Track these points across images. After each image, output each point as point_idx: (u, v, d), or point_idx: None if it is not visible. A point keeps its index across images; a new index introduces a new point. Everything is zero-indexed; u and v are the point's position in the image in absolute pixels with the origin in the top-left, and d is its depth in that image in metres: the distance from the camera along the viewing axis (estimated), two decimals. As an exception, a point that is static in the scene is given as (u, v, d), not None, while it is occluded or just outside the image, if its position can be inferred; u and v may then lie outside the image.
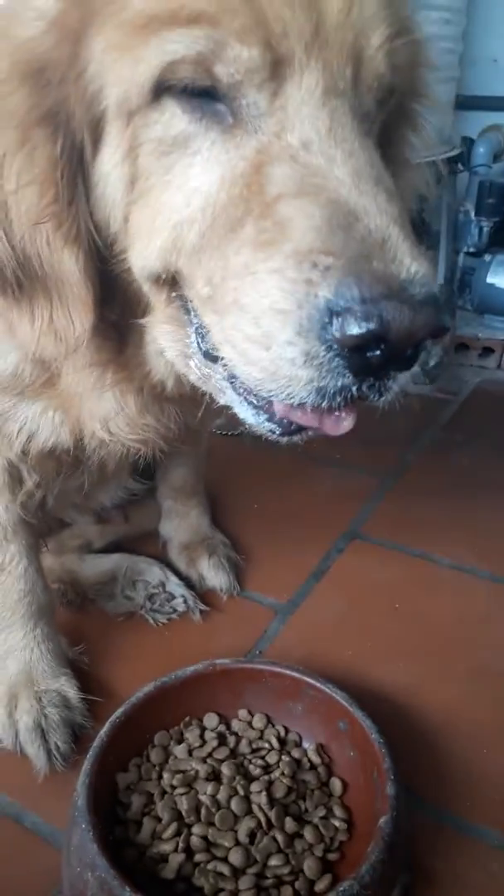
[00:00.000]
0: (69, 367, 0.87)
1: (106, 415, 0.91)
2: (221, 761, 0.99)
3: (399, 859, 0.87)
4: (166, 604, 1.34)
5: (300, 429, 0.75)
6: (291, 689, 1.06)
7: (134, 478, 1.39)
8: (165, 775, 0.98)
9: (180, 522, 1.49)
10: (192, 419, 0.98)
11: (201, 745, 1.02)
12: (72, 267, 0.73)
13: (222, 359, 0.72)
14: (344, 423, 0.72)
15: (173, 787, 0.96)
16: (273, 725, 1.06)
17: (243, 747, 1.03)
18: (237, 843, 0.89)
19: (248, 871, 0.87)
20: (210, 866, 0.87)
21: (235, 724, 1.06)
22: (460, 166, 2.45)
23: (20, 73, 0.69)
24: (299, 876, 0.88)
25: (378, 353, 0.61)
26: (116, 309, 0.82)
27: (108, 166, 0.72)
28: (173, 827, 0.91)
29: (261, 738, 1.04)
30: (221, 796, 0.94)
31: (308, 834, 0.92)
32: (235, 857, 0.88)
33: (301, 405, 0.66)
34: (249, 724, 1.06)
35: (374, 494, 1.74)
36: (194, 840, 0.90)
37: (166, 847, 0.90)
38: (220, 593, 1.41)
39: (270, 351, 0.64)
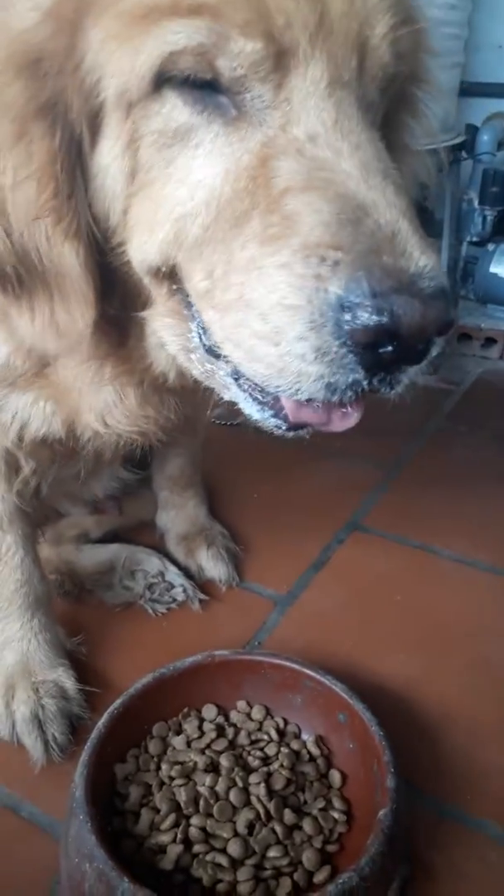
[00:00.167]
0: (66, 360, 0.85)
1: (103, 408, 0.91)
2: (220, 753, 0.99)
3: (398, 852, 0.87)
4: (165, 593, 1.34)
5: (306, 423, 0.74)
6: (291, 680, 1.06)
7: (127, 468, 1.38)
8: (164, 766, 0.98)
9: (177, 513, 1.48)
10: (192, 410, 0.97)
11: (200, 737, 1.02)
12: (72, 261, 0.72)
13: (225, 356, 0.72)
14: (351, 419, 0.71)
15: (172, 779, 0.96)
16: (272, 717, 1.06)
17: (242, 739, 1.02)
18: (236, 834, 0.89)
19: (246, 863, 0.87)
20: (208, 857, 0.87)
21: (234, 716, 1.06)
22: (464, 154, 2.43)
23: (16, 64, 0.67)
24: (298, 867, 0.87)
25: (390, 348, 0.61)
26: (116, 302, 0.81)
27: (108, 158, 0.70)
28: (172, 818, 0.91)
29: (260, 729, 1.04)
30: (220, 788, 0.94)
31: (307, 826, 0.91)
32: (234, 849, 0.87)
33: (309, 400, 0.66)
34: (248, 715, 1.06)
35: (375, 485, 1.73)
36: (193, 831, 0.90)
37: (164, 838, 0.89)
38: (219, 584, 1.40)
39: (279, 347, 0.63)
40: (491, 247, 2.52)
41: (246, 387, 0.75)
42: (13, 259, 0.72)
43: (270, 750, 1.00)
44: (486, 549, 1.51)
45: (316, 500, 1.68)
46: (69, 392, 0.90)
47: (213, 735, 1.02)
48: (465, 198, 2.49)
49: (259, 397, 0.75)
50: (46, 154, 0.68)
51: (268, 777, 0.95)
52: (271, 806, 0.91)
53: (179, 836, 0.89)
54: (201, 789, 0.94)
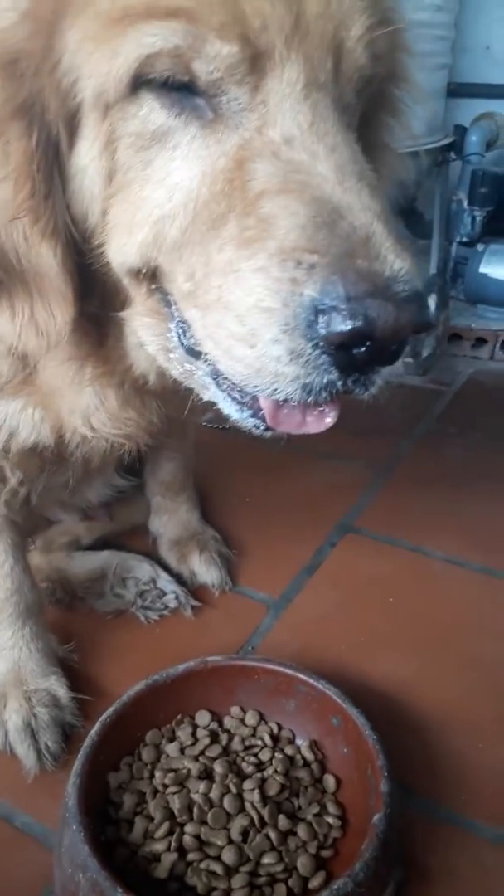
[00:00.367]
0: (48, 361, 0.85)
1: (86, 410, 0.90)
2: (214, 759, 0.98)
3: (393, 856, 0.87)
4: (157, 601, 1.33)
5: (283, 424, 0.74)
6: (284, 685, 1.05)
7: (120, 474, 1.38)
8: (157, 774, 0.97)
9: (170, 518, 1.48)
10: (175, 412, 0.97)
11: (193, 744, 1.02)
12: (50, 261, 0.72)
13: (205, 354, 0.72)
14: (327, 420, 0.72)
15: (165, 786, 0.96)
16: (266, 722, 1.05)
17: (236, 745, 1.02)
18: (230, 841, 0.89)
19: (241, 870, 0.86)
20: (203, 865, 0.87)
21: (228, 722, 1.06)
22: (453, 155, 2.43)
23: None
24: (293, 873, 0.87)
25: (363, 350, 0.61)
26: (95, 302, 0.81)
27: (86, 160, 0.70)
28: (165, 826, 0.90)
29: (253, 735, 1.04)
30: (214, 794, 0.94)
31: (301, 831, 0.91)
32: (228, 856, 0.87)
33: (286, 401, 0.66)
34: (242, 721, 1.06)
35: (367, 487, 1.73)
36: (187, 839, 0.89)
37: (159, 846, 0.89)
38: (212, 589, 1.40)
39: (256, 348, 0.64)
40: (480, 247, 2.53)
41: (225, 387, 0.76)
42: None
43: (264, 755, 1.00)
44: (479, 550, 1.51)
45: (308, 502, 1.68)
46: (53, 395, 0.90)
47: (207, 741, 1.01)
48: (454, 199, 2.50)
49: (238, 397, 0.75)
50: (23, 154, 0.68)
51: (262, 783, 0.95)
52: (265, 812, 0.91)
53: (173, 844, 0.89)
54: (195, 796, 0.93)
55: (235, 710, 1.07)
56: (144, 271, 0.73)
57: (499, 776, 1.05)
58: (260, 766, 0.99)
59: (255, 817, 0.91)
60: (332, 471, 1.79)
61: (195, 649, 1.15)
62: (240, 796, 0.93)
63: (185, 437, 1.39)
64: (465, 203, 2.48)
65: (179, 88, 0.65)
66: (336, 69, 0.67)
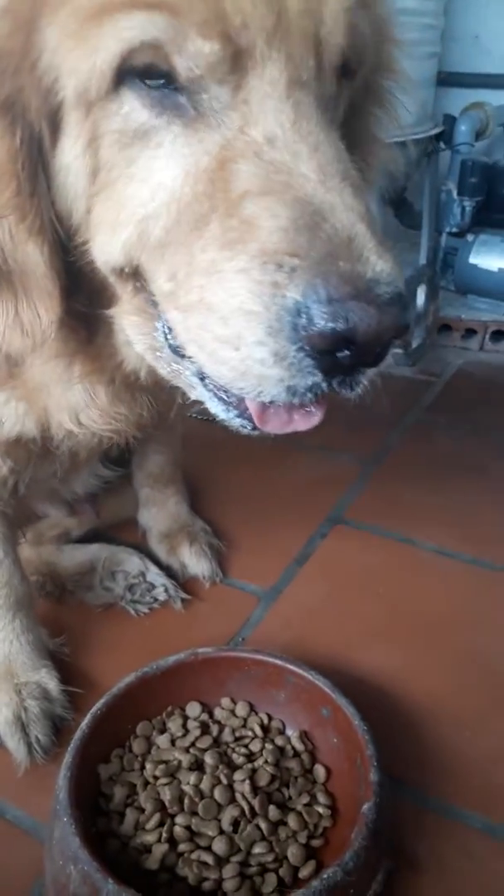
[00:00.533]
0: (34, 359, 0.85)
1: (75, 406, 0.90)
2: (204, 750, 0.99)
3: (383, 845, 0.87)
4: (147, 594, 1.33)
5: (270, 424, 0.75)
6: (274, 676, 1.06)
7: (106, 465, 1.37)
8: (148, 766, 0.98)
9: (159, 511, 1.48)
10: (165, 406, 0.97)
11: (184, 735, 1.02)
12: (37, 259, 0.72)
13: (190, 356, 0.72)
14: (314, 418, 0.72)
15: (156, 778, 0.96)
16: (256, 713, 1.06)
17: (226, 736, 1.02)
18: (221, 831, 0.89)
19: (231, 860, 0.87)
20: (194, 856, 0.87)
21: (218, 713, 1.06)
22: (442, 145, 2.42)
23: None
24: (283, 863, 0.88)
25: (347, 352, 0.62)
26: (83, 299, 0.80)
27: (69, 157, 0.70)
28: (156, 817, 0.91)
29: (244, 726, 1.04)
30: (205, 785, 0.94)
31: (292, 821, 0.91)
32: (219, 846, 0.88)
33: (272, 402, 0.67)
34: (232, 712, 1.06)
35: (356, 479, 1.74)
36: (178, 830, 0.90)
37: (150, 837, 0.89)
38: (202, 580, 1.40)
39: (240, 351, 0.64)
40: (470, 237, 2.53)
41: (211, 387, 0.76)
42: None
43: (255, 746, 1.00)
44: (468, 541, 1.52)
45: (298, 493, 1.68)
46: (40, 391, 0.90)
47: (198, 733, 1.02)
48: (443, 188, 2.49)
49: (224, 397, 0.75)
50: (6, 153, 0.68)
51: (252, 773, 0.95)
52: (256, 802, 0.91)
53: (164, 835, 0.89)
54: (186, 788, 0.94)
55: (226, 701, 1.07)
56: (127, 270, 0.73)
57: (487, 766, 1.06)
58: (250, 757, 0.99)
59: (246, 808, 0.91)
60: (322, 462, 1.79)
61: (186, 641, 1.15)
62: (230, 787, 0.94)
63: (173, 430, 1.39)
64: (455, 193, 2.47)
65: (161, 87, 0.65)
66: (318, 65, 0.66)
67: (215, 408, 0.77)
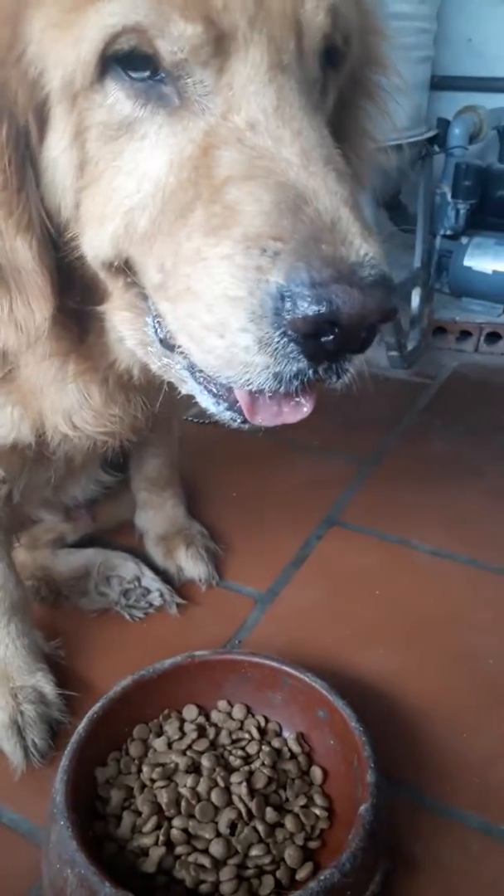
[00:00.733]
0: (28, 359, 0.85)
1: (69, 408, 0.90)
2: (201, 753, 0.99)
3: (380, 846, 0.87)
4: (142, 599, 1.33)
5: (260, 416, 0.74)
6: (271, 678, 1.06)
7: (106, 470, 1.37)
8: (145, 769, 0.98)
9: (155, 514, 1.47)
10: (160, 407, 0.97)
11: (181, 738, 1.02)
12: (26, 255, 0.72)
13: (179, 347, 0.72)
14: (303, 409, 0.72)
15: (153, 781, 0.96)
16: (253, 716, 1.06)
17: (223, 738, 1.02)
18: (218, 834, 0.89)
19: (229, 862, 0.87)
20: (191, 858, 0.87)
21: (215, 716, 1.06)
22: (436, 148, 2.43)
23: None
24: (280, 865, 0.88)
25: (331, 336, 0.61)
26: (75, 296, 0.80)
27: (56, 151, 0.70)
28: (153, 820, 0.91)
29: (241, 728, 1.04)
30: (201, 788, 0.94)
31: (289, 823, 0.92)
32: (216, 849, 0.88)
33: (261, 392, 0.66)
34: (229, 714, 1.06)
35: (352, 480, 1.74)
36: (175, 833, 0.90)
37: (147, 841, 0.89)
38: (199, 583, 1.40)
39: (225, 338, 0.63)
40: (464, 240, 2.53)
41: (201, 380, 0.75)
42: None
43: (251, 748, 1.00)
44: (463, 542, 1.53)
45: (294, 496, 1.68)
46: (34, 394, 0.89)
47: (194, 735, 1.02)
48: (438, 192, 2.50)
49: (214, 390, 0.75)
50: None
51: (249, 776, 0.95)
52: (253, 805, 0.91)
53: (161, 838, 0.89)
54: (183, 790, 0.94)
55: (222, 703, 1.07)
56: (117, 264, 0.73)
57: (483, 766, 1.07)
58: (247, 759, 0.99)
59: (243, 810, 0.91)
60: (318, 464, 1.79)
61: (182, 644, 1.15)
62: (227, 789, 0.94)
63: (169, 433, 1.39)
64: (449, 196, 2.48)
65: (145, 79, 0.65)
66: (299, 48, 0.66)
67: (205, 401, 0.77)
